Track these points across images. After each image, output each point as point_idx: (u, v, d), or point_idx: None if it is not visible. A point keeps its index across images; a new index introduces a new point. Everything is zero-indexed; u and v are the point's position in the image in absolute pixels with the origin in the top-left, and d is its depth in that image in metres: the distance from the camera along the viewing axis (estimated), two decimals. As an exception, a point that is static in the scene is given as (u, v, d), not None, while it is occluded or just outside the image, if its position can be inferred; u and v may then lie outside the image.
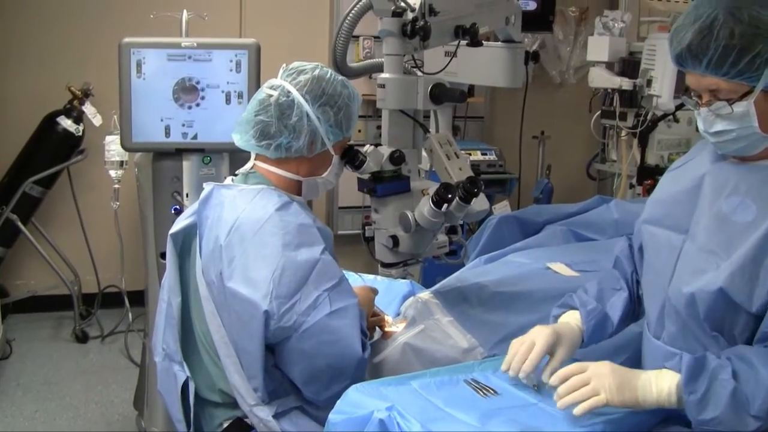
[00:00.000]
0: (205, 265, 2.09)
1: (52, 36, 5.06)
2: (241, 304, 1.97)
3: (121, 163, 4.05)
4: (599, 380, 1.70)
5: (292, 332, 1.96)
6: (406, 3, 2.39)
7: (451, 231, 2.59)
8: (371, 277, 2.72)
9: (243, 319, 1.98)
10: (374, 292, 2.39)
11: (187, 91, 3.14)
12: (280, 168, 2.15)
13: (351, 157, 2.27)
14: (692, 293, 1.72)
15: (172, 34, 3.51)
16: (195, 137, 3.17)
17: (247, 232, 2.01)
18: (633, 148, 4.48)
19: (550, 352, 1.88)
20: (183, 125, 3.16)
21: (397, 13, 2.37)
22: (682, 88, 1.80)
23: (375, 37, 5.18)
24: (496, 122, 5.97)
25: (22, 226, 4.86)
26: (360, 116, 2.29)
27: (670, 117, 4.23)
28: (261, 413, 2.04)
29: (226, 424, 2.13)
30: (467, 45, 2.55)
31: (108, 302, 5.15)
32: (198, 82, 3.14)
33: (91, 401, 4.22)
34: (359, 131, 5.42)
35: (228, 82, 3.16)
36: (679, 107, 4.01)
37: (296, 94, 2.09)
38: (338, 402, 1.76)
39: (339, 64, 2.65)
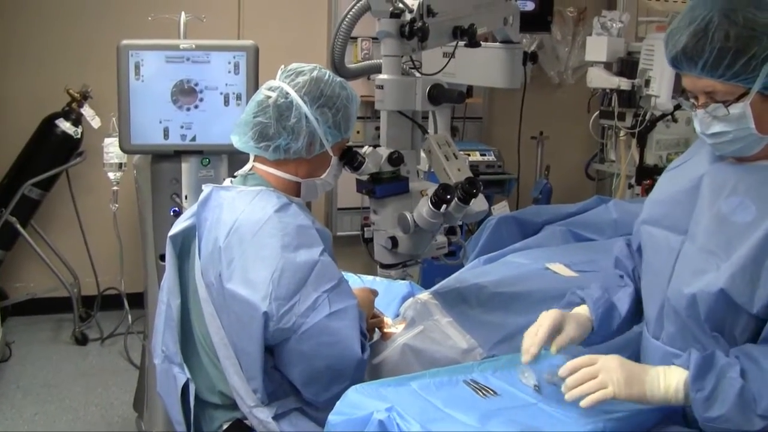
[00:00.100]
0: (204, 266, 2.09)
1: (51, 38, 5.07)
2: (240, 306, 1.97)
3: (120, 165, 4.06)
4: (607, 374, 1.70)
5: (291, 333, 1.96)
6: (404, 4, 2.39)
7: (450, 232, 2.59)
8: (370, 278, 2.72)
9: (242, 321, 1.98)
10: (374, 293, 2.39)
11: (186, 93, 3.13)
12: (278, 169, 2.15)
13: (350, 158, 2.28)
14: (693, 294, 1.72)
15: (171, 36, 3.50)
16: (194, 139, 3.17)
17: (246, 233, 2.01)
18: (631, 148, 4.48)
19: (558, 331, 1.89)
20: (182, 127, 3.16)
21: (395, 14, 2.37)
22: (680, 89, 1.79)
23: (373, 38, 5.18)
24: (494, 123, 5.98)
25: (21, 229, 4.86)
26: (358, 117, 2.29)
27: (669, 117, 4.23)
28: (261, 414, 2.04)
29: (225, 426, 2.13)
30: (465, 46, 2.55)
31: (107, 304, 5.15)
32: (196, 84, 3.14)
33: (90, 403, 4.22)
34: (358, 132, 5.42)
35: (226, 84, 3.16)
36: (678, 107, 4.01)
37: (295, 96, 2.09)
38: (338, 403, 1.76)
39: (337, 66, 2.65)
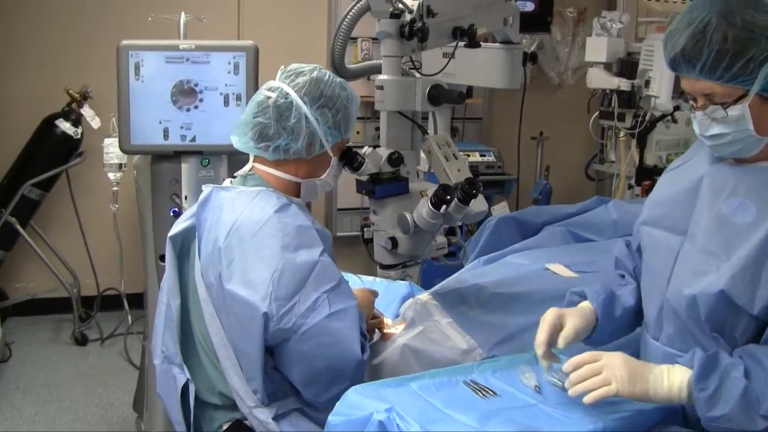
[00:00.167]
0: (204, 267, 2.09)
1: (51, 38, 5.07)
2: (240, 306, 1.97)
3: (120, 166, 4.06)
4: (611, 370, 1.70)
5: (291, 334, 1.96)
6: (404, 4, 2.39)
7: (450, 232, 2.59)
8: (370, 278, 2.72)
9: (242, 321, 1.98)
10: (374, 294, 2.39)
11: (186, 93, 3.14)
12: (278, 170, 2.15)
13: (349, 158, 2.27)
14: (693, 295, 1.72)
15: (170, 37, 3.50)
16: (193, 139, 3.17)
17: (245, 233, 2.01)
18: (631, 148, 4.48)
19: (561, 325, 1.88)
20: (181, 127, 3.16)
21: (395, 15, 2.37)
22: (679, 90, 1.79)
23: (373, 39, 5.18)
24: (494, 123, 5.98)
25: (21, 229, 4.86)
26: (358, 118, 2.28)
27: (669, 117, 4.23)
28: (260, 415, 2.04)
29: (225, 426, 2.13)
30: (465, 46, 2.55)
31: (107, 305, 5.15)
32: (196, 85, 3.14)
33: (90, 404, 4.22)
34: (357, 133, 5.42)
35: (226, 84, 3.16)
36: (678, 108, 4.01)
37: (294, 96, 2.09)
38: (338, 403, 1.76)
39: (337, 66, 2.65)
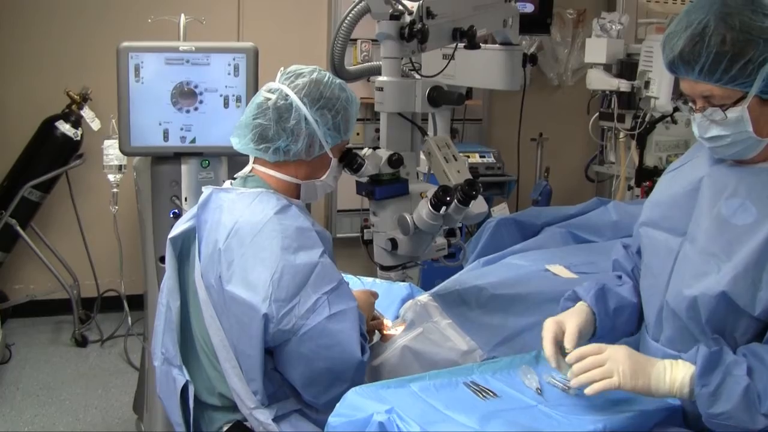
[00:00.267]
0: (204, 268, 2.09)
1: (51, 40, 5.07)
2: (240, 308, 1.97)
3: (120, 167, 4.05)
4: (614, 363, 1.70)
5: (291, 335, 1.96)
6: (404, 6, 2.40)
7: (450, 234, 2.59)
8: (370, 280, 2.72)
9: (242, 323, 1.98)
10: (374, 295, 2.39)
11: (186, 95, 3.14)
12: (278, 171, 2.15)
13: (349, 160, 2.28)
14: (694, 296, 1.72)
15: (170, 38, 3.50)
16: (193, 141, 3.18)
17: (245, 235, 2.01)
18: (631, 149, 4.48)
19: (562, 330, 1.88)
20: (181, 129, 3.16)
21: (395, 16, 2.37)
22: (678, 92, 1.79)
23: (373, 40, 5.19)
24: (494, 125, 5.98)
25: (21, 231, 4.86)
26: (358, 119, 2.29)
27: (668, 118, 4.24)
28: (261, 416, 2.04)
29: (225, 428, 2.13)
30: (465, 48, 2.55)
31: (107, 306, 5.15)
32: (196, 86, 3.14)
33: (90, 405, 4.22)
34: (357, 134, 5.42)
35: (226, 86, 3.16)
36: (677, 109, 4.01)
37: (294, 98, 2.09)
38: (338, 405, 1.76)
39: (337, 67, 2.65)
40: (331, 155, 2.18)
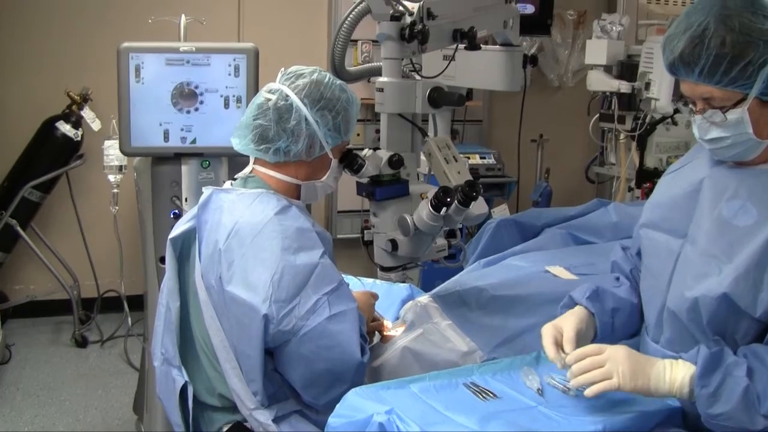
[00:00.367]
0: (204, 269, 2.09)
1: (51, 41, 5.07)
2: (240, 308, 1.97)
3: (120, 168, 4.06)
4: (614, 364, 1.70)
5: (291, 336, 1.96)
6: (404, 7, 2.40)
7: (450, 235, 2.59)
8: (370, 281, 2.72)
9: (242, 323, 1.98)
10: (374, 297, 2.39)
11: (186, 95, 3.14)
12: (279, 172, 2.15)
13: (350, 161, 2.28)
14: (695, 298, 1.72)
15: (171, 39, 3.51)
16: (194, 142, 3.18)
17: (246, 236, 2.01)
18: (632, 151, 4.49)
19: (561, 334, 1.87)
20: (182, 130, 3.16)
21: (396, 17, 2.37)
22: (678, 93, 1.80)
23: (373, 41, 5.19)
24: (494, 126, 5.98)
25: (21, 231, 4.86)
26: (359, 120, 2.29)
27: (669, 120, 4.24)
28: (260, 417, 2.04)
29: (225, 428, 2.13)
30: (465, 49, 2.55)
31: (107, 307, 5.15)
32: (197, 87, 3.14)
33: (90, 406, 4.22)
34: (358, 135, 5.43)
35: (227, 87, 3.16)
36: (678, 110, 4.01)
37: (295, 98, 2.09)
38: (338, 405, 1.76)
39: (337, 68, 2.65)
40: (331, 156, 2.18)
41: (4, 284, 5.20)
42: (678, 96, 1.81)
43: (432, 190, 2.35)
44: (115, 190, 4.14)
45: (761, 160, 1.74)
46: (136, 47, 3.12)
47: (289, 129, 2.08)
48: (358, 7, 2.51)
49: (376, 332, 2.39)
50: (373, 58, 5.24)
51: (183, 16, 3.59)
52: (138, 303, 3.79)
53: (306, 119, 2.09)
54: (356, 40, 5.25)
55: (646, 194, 4.23)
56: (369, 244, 2.55)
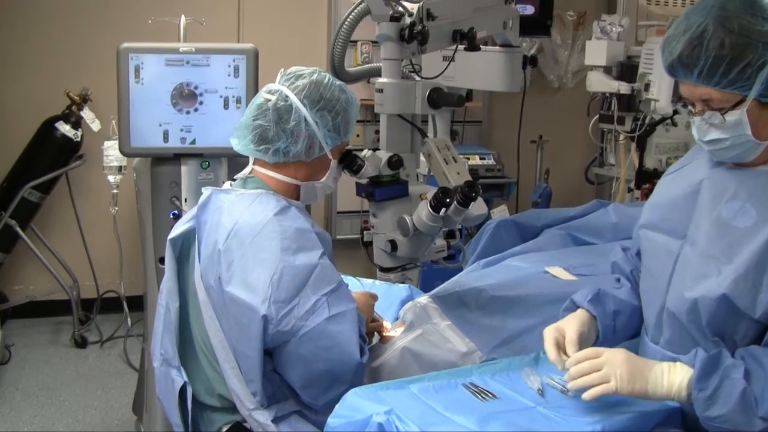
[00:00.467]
0: (203, 269, 2.09)
1: (51, 41, 5.07)
2: (239, 309, 1.97)
3: (120, 168, 4.06)
4: (611, 368, 1.70)
5: (290, 336, 1.96)
6: (404, 7, 2.40)
7: (450, 235, 2.59)
8: (370, 281, 2.72)
9: (241, 324, 1.98)
10: (374, 298, 2.39)
11: (186, 96, 3.14)
12: (278, 172, 2.15)
13: (349, 161, 2.28)
14: (695, 299, 1.72)
15: (171, 40, 3.51)
16: (193, 142, 3.18)
17: (245, 236, 2.01)
18: (631, 152, 4.48)
19: (563, 336, 1.87)
20: (181, 130, 3.16)
21: (395, 18, 2.37)
22: (678, 95, 1.80)
23: (373, 42, 5.19)
24: (494, 126, 5.98)
25: (20, 232, 4.86)
26: (358, 121, 2.29)
27: (668, 121, 4.24)
28: (260, 417, 2.04)
29: (225, 429, 2.13)
30: (465, 49, 2.55)
31: (107, 307, 5.15)
32: (196, 87, 3.14)
33: (90, 406, 4.22)
34: (357, 136, 5.43)
35: (226, 87, 3.16)
36: (677, 111, 4.00)
37: (294, 99, 2.09)
38: (337, 406, 1.76)
39: (337, 69, 2.65)
40: (330, 157, 2.18)
41: (4, 284, 5.20)
42: (677, 97, 1.81)
43: (431, 191, 2.35)
44: (115, 191, 4.14)
45: (760, 161, 1.74)
46: (136, 48, 3.12)
47: (289, 130, 2.08)
48: (358, 8, 2.51)
49: (376, 333, 2.39)
50: (373, 58, 5.24)
51: (183, 16, 3.60)
52: (137, 303, 3.79)
53: (305, 120, 2.09)
54: (356, 41, 5.25)
55: (646, 195, 4.23)
56: (368, 244, 2.55)
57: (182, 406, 2.14)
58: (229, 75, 3.16)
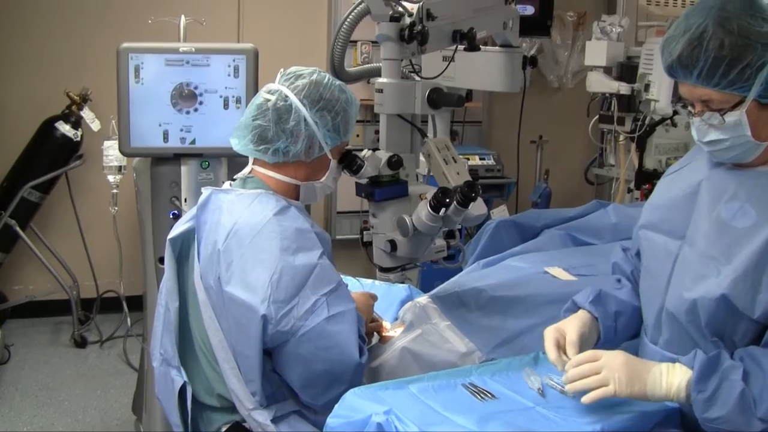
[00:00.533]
0: (203, 269, 2.09)
1: (51, 41, 5.07)
2: (239, 309, 1.97)
3: (120, 168, 4.06)
4: (610, 371, 1.70)
5: (289, 336, 1.96)
6: (404, 8, 2.40)
7: (449, 235, 2.59)
8: (369, 281, 2.72)
9: (241, 324, 1.98)
10: (373, 298, 2.39)
11: (186, 96, 3.14)
12: (278, 172, 2.15)
13: (349, 161, 2.28)
14: (694, 299, 1.72)
15: (170, 39, 3.51)
16: (193, 142, 3.17)
17: (245, 236, 2.01)
18: (631, 152, 4.48)
19: (563, 337, 1.87)
20: (181, 130, 3.16)
21: (395, 18, 2.37)
22: (677, 95, 1.80)
23: (373, 42, 5.19)
24: (494, 127, 5.98)
25: (20, 231, 4.85)
26: (358, 121, 2.29)
27: (668, 121, 4.24)
28: (259, 417, 2.04)
29: (224, 429, 2.13)
30: (465, 50, 2.55)
31: (106, 307, 5.15)
32: (196, 87, 3.14)
33: (89, 406, 4.22)
34: (357, 136, 5.43)
35: (226, 87, 3.16)
36: (677, 112, 4.00)
37: (294, 99, 2.09)
38: (336, 406, 1.76)
39: (337, 69, 2.65)
40: (330, 156, 2.18)
41: (4, 284, 5.20)
42: (677, 98, 1.81)
43: (431, 191, 2.35)
44: (115, 191, 4.14)
45: (760, 161, 1.74)
46: (136, 47, 3.12)
47: (288, 129, 2.08)
48: (358, 8, 2.51)
49: (375, 333, 2.39)
50: (373, 59, 5.24)
51: (183, 16, 3.60)
52: (137, 303, 3.79)
53: (305, 120, 2.09)
54: (356, 41, 5.25)
55: (646, 196, 4.23)
56: (368, 244, 2.55)
57: (182, 406, 2.14)
58: (229, 75, 3.16)
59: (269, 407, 2.04)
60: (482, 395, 1.82)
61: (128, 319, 4.58)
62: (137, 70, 3.10)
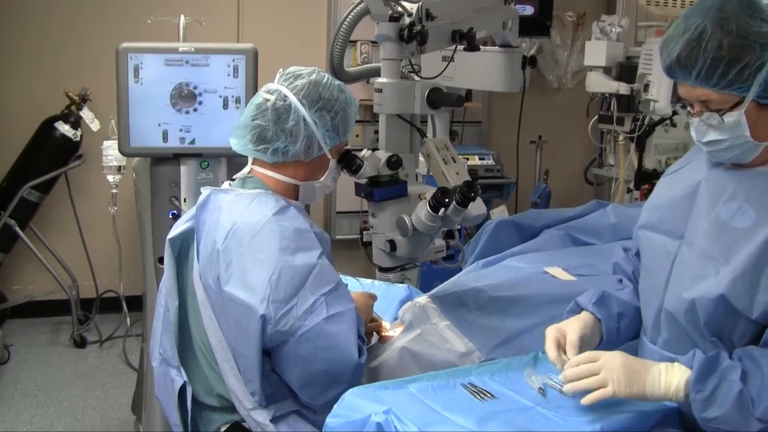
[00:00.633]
0: (202, 269, 2.09)
1: (50, 41, 5.07)
2: (238, 309, 1.97)
3: (119, 168, 4.05)
4: (609, 372, 1.70)
5: (288, 336, 1.96)
6: (403, 8, 2.40)
7: (449, 235, 2.59)
8: (369, 281, 2.72)
9: (240, 323, 1.98)
10: (373, 298, 2.39)
11: (185, 96, 3.13)
12: (277, 172, 2.15)
13: (348, 161, 2.28)
14: (692, 299, 1.72)
15: (170, 39, 3.51)
16: (193, 142, 3.17)
17: (244, 236, 2.01)
18: (630, 152, 4.48)
19: (564, 337, 1.87)
20: (181, 130, 3.16)
21: (394, 18, 2.37)
22: (677, 96, 1.80)
23: (372, 42, 5.19)
24: (493, 127, 5.98)
25: (20, 231, 4.85)
26: (357, 121, 2.29)
27: (668, 121, 4.24)
28: (258, 417, 2.04)
29: (223, 428, 2.13)
30: (464, 50, 2.55)
31: (106, 307, 5.15)
32: (195, 87, 3.14)
33: (89, 406, 4.22)
34: (357, 136, 5.43)
35: (225, 87, 3.16)
36: (677, 112, 4.00)
37: (293, 99, 2.09)
38: (335, 406, 1.76)
39: (336, 69, 2.65)
40: (329, 156, 2.18)
41: (3, 284, 5.20)
42: (676, 98, 1.81)
43: (430, 191, 2.35)
44: (114, 191, 4.14)
45: (759, 162, 1.74)
46: (135, 47, 3.12)
47: (288, 129, 2.09)
48: (357, 8, 2.51)
49: (375, 333, 2.39)
50: (372, 58, 5.24)
51: (182, 16, 3.60)
52: (137, 303, 3.79)
53: (304, 120, 2.09)
54: (355, 41, 5.25)
55: (645, 196, 4.23)
56: (368, 244, 2.55)
57: (181, 406, 2.14)
58: (228, 75, 3.16)
59: (268, 407, 2.04)
60: (482, 395, 1.82)
61: (128, 319, 4.58)
62: (137, 70, 3.10)
